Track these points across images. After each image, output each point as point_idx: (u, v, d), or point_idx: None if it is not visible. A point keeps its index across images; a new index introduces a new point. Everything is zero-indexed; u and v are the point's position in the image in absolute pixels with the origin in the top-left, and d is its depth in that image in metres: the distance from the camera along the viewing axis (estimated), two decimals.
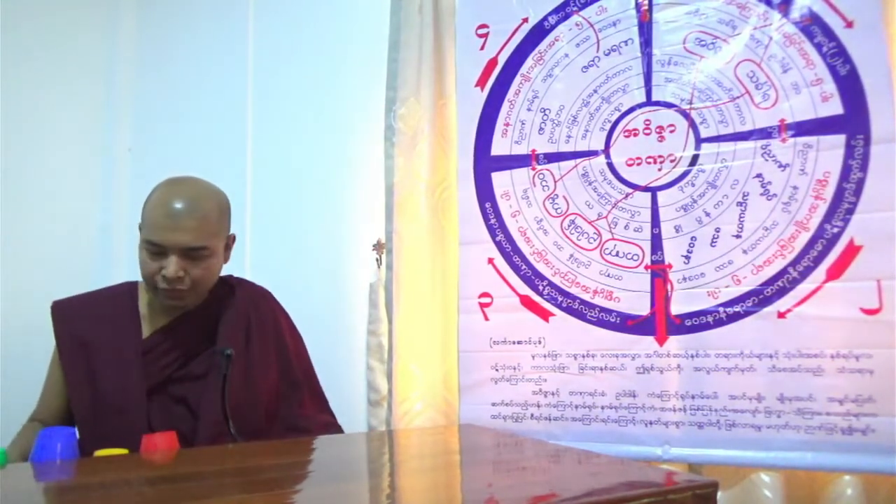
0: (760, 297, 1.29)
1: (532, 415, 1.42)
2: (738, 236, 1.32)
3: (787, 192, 1.30)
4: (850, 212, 1.25)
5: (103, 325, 1.21)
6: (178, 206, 1.14)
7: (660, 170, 1.39)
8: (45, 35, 1.92)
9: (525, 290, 1.45)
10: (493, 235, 1.49)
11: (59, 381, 1.21)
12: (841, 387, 1.22)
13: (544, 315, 1.44)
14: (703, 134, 1.36)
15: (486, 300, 1.47)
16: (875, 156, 1.24)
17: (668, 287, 1.36)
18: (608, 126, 1.43)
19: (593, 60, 1.46)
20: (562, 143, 1.47)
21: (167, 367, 1.21)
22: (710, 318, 1.32)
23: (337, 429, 1.33)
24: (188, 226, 1.14)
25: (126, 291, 1.27)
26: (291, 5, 2.01)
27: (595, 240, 1.42)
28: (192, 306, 1.22)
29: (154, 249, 1.14)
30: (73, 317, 1.22)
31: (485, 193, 1.50)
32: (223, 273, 1.28)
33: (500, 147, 1.51)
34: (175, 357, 1.21)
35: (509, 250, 1.47)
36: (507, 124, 1.51)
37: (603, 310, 1.40)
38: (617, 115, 1.43)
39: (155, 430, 1.14)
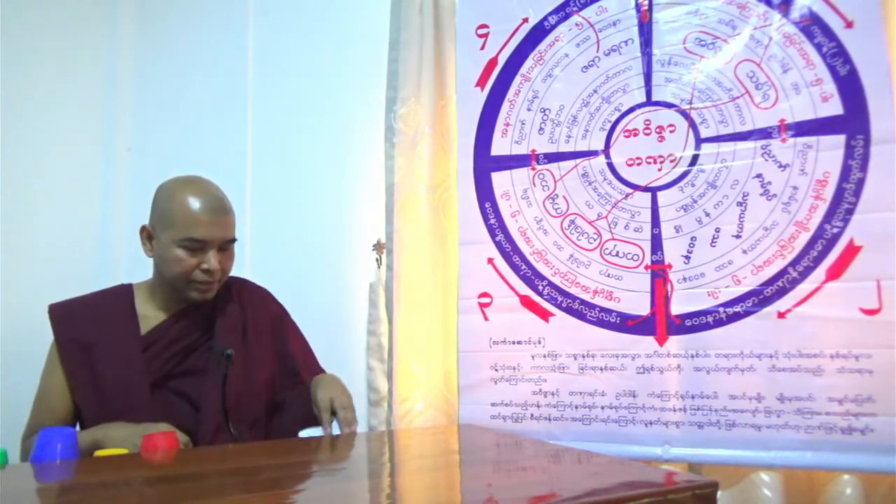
0: (760, 297, 1.29)
1: (532, 415, 1.42)
2: (738, 236, 1.32)
3: (787, 192, 1.30)
4: (850, 212, 1.25)
5: (103, 326, 1.22)
6: (213, 202, 1.20)
7: (660, 170, 1.39)
8: (45, 35, 1.91)
9: (525, 290, 1.45)
10: (492, 235, 1.49)
11: (63, 386, 1.20)
12: (841, 387, 1.22)
13: (544, 315, 1.44)
14: (703, 134, 1.36)
15: (485, 300, 1.47)
16: (875, 156, 1.24)
17: (668, 287, 1.36)
18: (608, 126, 1.43)
19: (593, 60, 1.46)
20: (562, 143, 1.47)
21: (167, 362, 1.22)
22: (710, 318, 1.32)
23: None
24: (225, 220, 1.21)
25: (122, 292, 1.28)
26: (292, 5, 2.01)
27: (595, 240, 1.43)
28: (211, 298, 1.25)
29: (194, 246, 1.18)
30: (72, 319, 1.22)
31: (485, 193, 1.50)
32: None
33: (500, 147, 1.51)
34: (174, 353, 1.23)
35: (509, 250, 1.47)
36: (507, 124, 1.51)
37: (603, 310, 1.40)
38: (617, 115, 1.43)
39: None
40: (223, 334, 1.25)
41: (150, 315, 1.25)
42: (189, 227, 1.17)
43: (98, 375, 1.18)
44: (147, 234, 1.24)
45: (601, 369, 1.38)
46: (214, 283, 1.22)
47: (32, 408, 1.23)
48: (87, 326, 1.21)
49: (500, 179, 1.50)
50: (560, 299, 1.43)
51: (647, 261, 1.38)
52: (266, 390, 1.29)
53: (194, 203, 1.18)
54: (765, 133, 1.32)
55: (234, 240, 1.24)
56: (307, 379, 1.31)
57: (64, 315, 1.22)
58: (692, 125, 1.37)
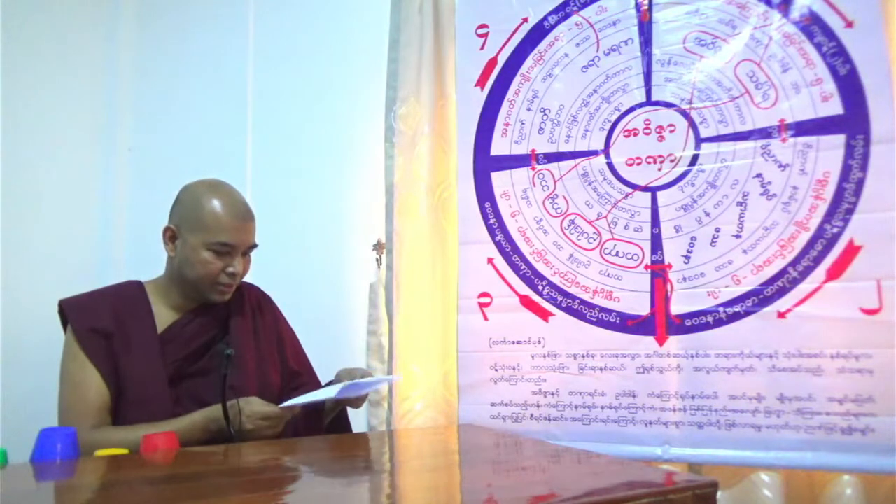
0: (760, 297, 1.29)
1: (532, 415, 1.42)
2: (738, 236, 1.32)
3: (787, 191, 1.30)
4: (850, 212, 1.25)
5: (120, 319, 1.22)
6: (242, 209, 1.25)
7: (660, 170, 1.39)
8: (46, 35, 1.91)
9: (525, 289, 1.45)
10: (492, 235, 1.49)
11: (94, 373, 1.17)
12: (841, 387, 1.22)
13: (544, 315, 1.44)
14: (703, 134, 1.36)
15: (485, 300, 1.47)
16: (875, 156, 1.24)
17: (668, 287, 1.36)
18: (608, 126, 1.43)
19: (593, 60, 1.46)
20: (561, 142, 1.47)
21: (183, 361, 1.23)
22: (709, 318, 1.32)
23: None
24: (252, 227, 1.26)
25: (134, 289, 1.28)
26: (291, 5, 2.01)
27: (595, 240, 1.42)
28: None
29: (223, 249, 1.22)
30: (89, 310, 1.22)
31: (484, 193, 1.50)
32: None
33: (499, 147, 1.51)
34: (190, 352, 1.24)
35: (509, 250, 1.47)
36: (506, 124, 1.51)
37: (603, 310, 1.40)
38: (617, 114, 1.43)
39: None
40: (237, 334, 1.27)
41: (163, 313, 1.26)
42: (219, 232, 1.21)
43: (119, 368, 1.18)
44: (171, 235, 1.25)
45: (601, 369, 1.38)
46: (234, 285, 1.26)
47: (67, 406, 1.17)
48: (104, 317, 1.21)
49: (499, 179, 1.50)
50: (560, 299, 1.43)
51: (647, 261, 1.38)
52: (276, 389, 1.31)
53: (225, 208, 1.22)
54: (765, 133, 1.32)
55: (256, 245, 1.28)
56: (305, 383, 1.35)
57: (80, 307, 1.22)
58: (692, 125, 1.37)
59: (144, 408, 1.16)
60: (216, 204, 1.22)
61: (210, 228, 1.20)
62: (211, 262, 1.21)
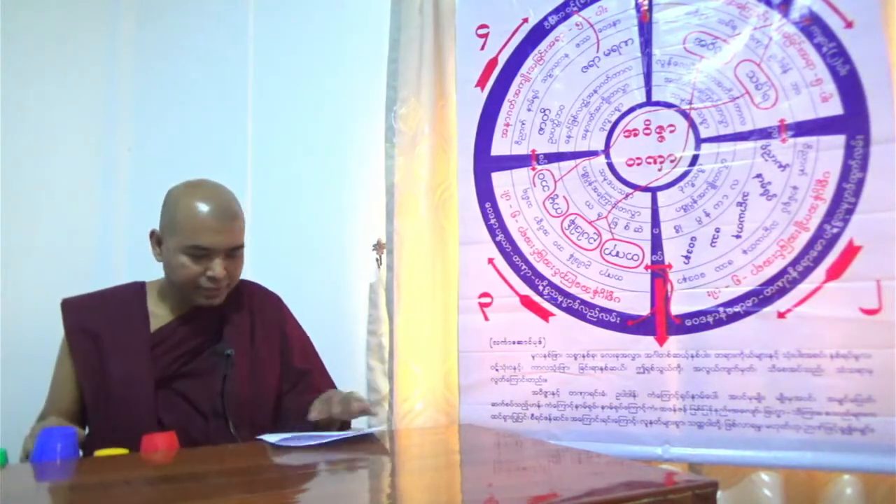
0: (760, 297, 1.29)
1: (532, 415, 1.42)
2: (738, 236, 1.32)
3: (786, 192, 1.30)
4: (850, 212, 1.25)
5: (113, 321, 1.23)
6: (219, 209, 1.19)
7: (660, 170, 1.39)
8: (46, 35, 1.91)
9: (525, 290, 1.45)
10: (493, 235, 1.49)
11: (70, 376, 1.22)
12: (840, 387, 1.22)
13: (544, 315, 1.44)
14: (703, 134, 1.36)
15: (486, 300, 1.47)
16: (875, 156, 1.24)
17: (668, 287, 1.36)
18: (608, 126, 1.43)
19: (593, 60, 1.46)
20: (562, 143, 1.47)
21: (173, 362, 1.23)
22: (710, 318, 1.32)
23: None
24: (231, 227, 1.20)
25: (134, 290, 1.29)
26: (292, 5, 2.01)
27: (595, 240, 1.43)
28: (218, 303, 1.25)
29: (199, 253, 1.17)
30: (83, 312, 1.23)
31: (485, 193, 1.50)
32: None
33: (500, 147, 1.51)
34: (181, 353, 1.24)
35: (509, 250, 1.48)
36: (507, 124, 1.51)
37: (603, 310, 1.40)
38: (617, 115, 1.43)
39: (162, 423, 1.17)
40: (231, 338, 1.26)
41: (159, 314, 1.26)
42: (194, 235, 1.16)
43: (105, 368, 1.19)
44: (156, 239, 1.24)
45: (601, 369, 1.38)
46: (221, 289, 1.22)
47: (48, 397, 1.25)
48: (96, 318, 1.22)
49: (500, 179, 1.50)
50: (560, 299, 1.43)
51: (647, 261, 1.38)
52: (272, 395, 1.30)
53: (199, 209, 1.17)
54: (765, 133, 1.32)
55: (240, 246, 1.23)
56: (316, 384, 1.32)
57: (75, 307, 1.24)
58: (692, 125, 1.37)
59: (129, 408, 1.17)
60: (191, 205, 1.18)
61: (185, 231, 1.17)
62: (189, 267, 1.17)
